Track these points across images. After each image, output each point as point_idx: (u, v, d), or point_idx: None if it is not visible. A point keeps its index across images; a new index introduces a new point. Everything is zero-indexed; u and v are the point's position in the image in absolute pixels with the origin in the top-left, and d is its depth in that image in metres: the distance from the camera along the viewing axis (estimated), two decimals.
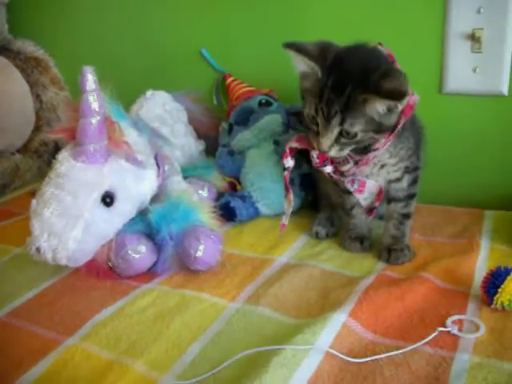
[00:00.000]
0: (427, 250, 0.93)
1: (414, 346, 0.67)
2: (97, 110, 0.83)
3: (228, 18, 1.31)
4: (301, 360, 0.64)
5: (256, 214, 1.10)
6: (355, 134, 0.79)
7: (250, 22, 1.29)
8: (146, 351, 0.70)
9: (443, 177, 1.15)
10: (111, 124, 0.86)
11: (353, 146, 0.82)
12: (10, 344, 0.73)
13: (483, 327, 0.70)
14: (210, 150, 1.24)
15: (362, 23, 1.15)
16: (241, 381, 0.61)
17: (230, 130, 1.18)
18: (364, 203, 0.94)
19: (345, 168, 0.87)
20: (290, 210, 0.93)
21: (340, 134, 0.80)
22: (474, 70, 1.08)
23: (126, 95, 0.95)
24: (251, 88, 1.26)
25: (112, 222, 0.87)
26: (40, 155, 1.44)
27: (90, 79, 0.83)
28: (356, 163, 0.85)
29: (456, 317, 0.72)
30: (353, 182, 0.91)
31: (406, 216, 0.93)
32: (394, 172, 0.90)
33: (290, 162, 0.91)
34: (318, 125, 0.81)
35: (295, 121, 1.15)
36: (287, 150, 0.90)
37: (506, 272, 0.74)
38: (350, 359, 0.65)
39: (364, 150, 0.83)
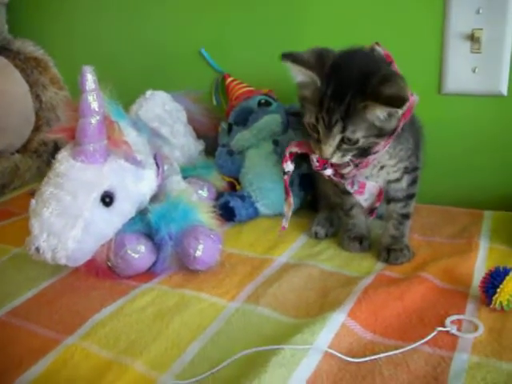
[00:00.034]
0: (426, 250, 0.93)
1: (413, 345, 0.67)
2: (96, 109, 0.83)
3: (227, 19, 1.31)
4: (300, 360, 0.64)
5: (255, 214, 1.10)
6: (357, 141, 0.79)
7: (249, 22, 1.29)
8: (145, 351, 0.70)
9: (442, 177, 1.15)
10: (111, 124, 0.86)
11: (354, 152, 0.81)
12: (9, 343, 0.73)
13: (482, 327, 0.70)
14: (210, 150, 1.24)
15: (362, 23, 1.15)
16: (240, 380, 0.61)
17: (230, 130, 1.19)
18: (365, 204, 0.94)
19: (345, 171, 0.87)
20: (290, 213, 0.93)
21: (342, 140, 0.80)
22: (474, 71, 1.08)
23: (125, 95, 0.95)
24: (250, 88, 1.26)
25: (111, 221, 0.87)
26: (39, 155, 1.44)
27: (90, 79, 0.83)
28: (356, 166, 0.85)
29: (455, 317, 0.72)
30: (353, 183, 0.91)
31: (406, 216, 0.93)
32: (393, 173, 0.90)
33: (289, 166, 0.90)
34: (318, 132, 0.81)
35: (295, 121, 1.15)
36: (287, 155, 0.90)
37: (505, 272, 0.74)
38: (348, 359, 0.65)
39: (364, 152, 0.82)
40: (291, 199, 0.92)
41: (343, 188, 0.93)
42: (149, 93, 1.18)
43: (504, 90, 1.07)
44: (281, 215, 1.05)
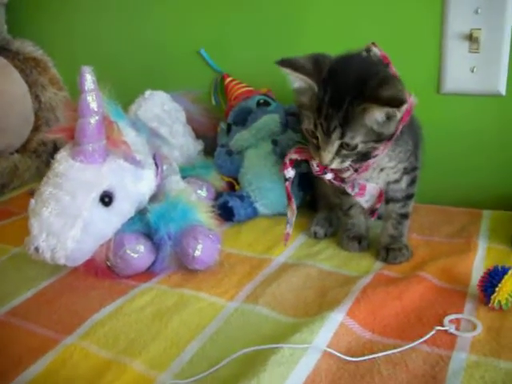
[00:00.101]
0: (425, 250, 0.93)
1: (412, 344, 0.67)
2: (95, 109, 0.83)
3: (226, 19, 1.31)
4: (298, 359, 0.64)
5: (254, 214, 1.10)
6: (356, 146, 0.79)
7: (248, 23, 1.29)
8: (144, 350, 0.70)
9: (441, 177, 1.16)
10: (110, 124, 0.86)
11: (354, 157, 0.81)
12: (8, 343, 0.73)
13: (480, 326, 0.70)
14: (209, 150, 1.24)
15: (361, 23, 1.15)
16: (239, 379, 0.61)
17: (229, 130, 1.19)
18: (365, 205, 0.94)
19: (345, 175, 0.87)
20: (294, 218, 0.91)
21: (341, 146, 0.79)
22: (472, 70, 1.08)
23: (124, 95, 0.95)
24: (249, 88, 1.27)
25: (110, 221, 0.87)
26: (39, 155, 1.44)
27: (89, 79, 0.83)
28: (356, 171, 0.85)
29: (453, 316, 0.73)
30: (353, 186, 0.90)
31: (404, 216, 0.93)
32: (393, 174, 0.90)
33: (290, 173, 0.90)
34: (317, 138, 0.81)
35: (293, 121, 1.15)
36: (287, 162, 0.89)
37: (503, 271, 0.74)
38: (347, 358, 0.65)
39: (364, 157, 0.82)
40: (294, 206, 0.90)
41: (343, 189, 0.93)
42: (148, 93, 1.18)
43: (502, 90, 1.08)
44: (280, 215, 1.06)
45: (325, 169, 0.86)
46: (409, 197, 0.93)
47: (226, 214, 1.06)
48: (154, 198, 0.95)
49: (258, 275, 0.88)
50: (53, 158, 0.87)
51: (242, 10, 1.28)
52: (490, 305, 0.73)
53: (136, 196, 0.91)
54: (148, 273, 0.89)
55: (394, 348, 0.67)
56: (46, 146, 1.44)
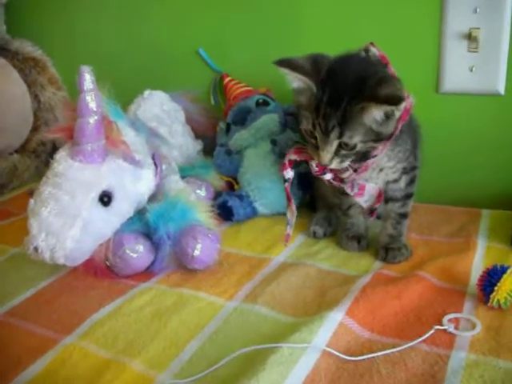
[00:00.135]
0: (424, 249, 0.93)
1: (411, 343, 0.67)
2: (94, 109, 0.83)
3: (225, 18, 1.31)
4: (298, 358, 0.64)
5: (253, 214, 1.10)
6: (354, 146, 0.79)
7: (247, 22, 1.29)
8: (143, 350, 0.70)
9: (440, 176, 1.16)
10: (109, 124, 0.86)
11: (353, 157, 0.81)
12: (8, 343, 0.73)
13: (479, 325, 0.70)
14: (208, 150, 1.24)
15: (359, 23, 1.15)
16: (238, 379, 0.61)
17: (228, 129, 1.19)
18: (365, 205, 0.94)
19: (344, 175, 0.87)
20: (294, 219, 0.91)
21: (339, 146, 0.79)
22: (471, 70, 1.08)
23: (123, 95, 0.95)
24: (248, 88, 1.27)
25: (110, 221, 0.87)
26: (38, 155, 1.44)
27: (88, 79, 0.83)
28: (355, 171, 0.85)
29: (452, 315, 0.73)
30: (352, 186, 0.90)
31: (404, 215, 0.93)
32: (392, 173, 0.90)
33: (289, 174, 0.89)
34: (316, 138, 0.81)
35: (292, 120, 1.15)
36: (286, 163, 0.89)
37: (502, 270, 0.74)
38: (346, 357, 0.65)
39: (363, 157, 0.82)
40: (294, 207, 0.90)
41: (342, 190, 0.93)
42: (147, 93, 1.18)
43: (501, 89, 1.08)
44: (279, 215, 1.06)
45: (324, 169, 0.86)
46: (408, 196, 0.93)
47: (225, 213, 1.07)
48: (153, 198, 0.95)
49: (257, 275, 0.88)
50: (52, 157, 0.87)
51: (241, 10, 1.29)
52: (489, 304, 0.73)
53: (135, 196, 0.91)
54: (147, 272, 0.89)
55: (393, 347, 0.67)
56: (45, 145, 1.44)
